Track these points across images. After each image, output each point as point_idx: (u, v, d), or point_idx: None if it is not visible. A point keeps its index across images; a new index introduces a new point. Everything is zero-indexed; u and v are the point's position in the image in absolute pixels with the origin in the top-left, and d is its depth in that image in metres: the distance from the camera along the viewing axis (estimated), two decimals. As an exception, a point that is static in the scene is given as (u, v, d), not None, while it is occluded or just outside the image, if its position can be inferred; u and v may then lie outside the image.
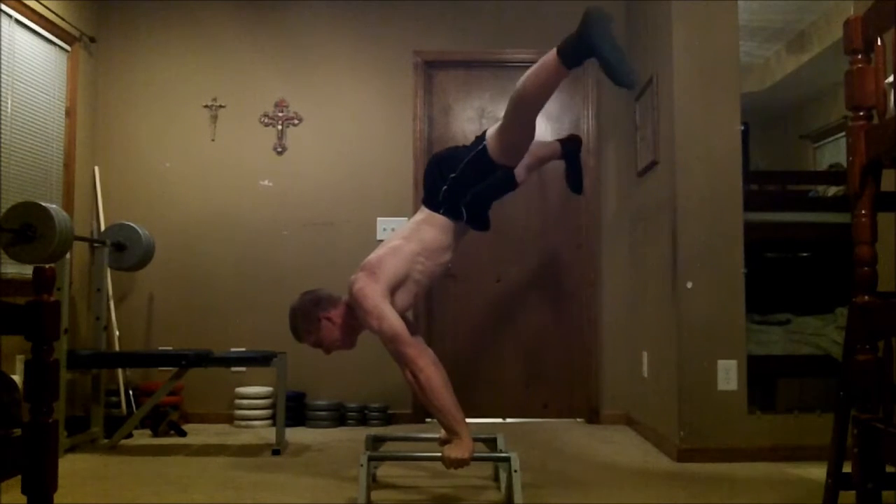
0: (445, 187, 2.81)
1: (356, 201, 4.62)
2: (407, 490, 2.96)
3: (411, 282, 2.77)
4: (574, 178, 3.39)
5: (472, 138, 4.57)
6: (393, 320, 2.62)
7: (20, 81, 3.91)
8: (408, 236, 2.81)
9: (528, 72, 2.62)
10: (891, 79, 1.85)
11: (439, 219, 2.83)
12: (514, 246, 4.66)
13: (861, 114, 1.85)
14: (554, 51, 2.55)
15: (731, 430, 3.42)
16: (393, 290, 2.71)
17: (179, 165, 4.66)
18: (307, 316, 2.83)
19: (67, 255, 3.56)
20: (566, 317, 4.63)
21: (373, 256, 2.77)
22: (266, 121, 4.67)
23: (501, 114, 4.60)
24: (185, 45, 4.71)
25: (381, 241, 4.53)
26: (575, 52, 2.49)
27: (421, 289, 2.84)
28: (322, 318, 2.81)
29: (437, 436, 2.97)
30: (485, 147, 2.81)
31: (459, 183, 2.80)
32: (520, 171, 2.94)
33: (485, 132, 2.88)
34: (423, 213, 2.88)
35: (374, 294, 2.64)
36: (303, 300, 2.87)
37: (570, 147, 3.37)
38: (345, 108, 4.68)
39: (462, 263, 4.53)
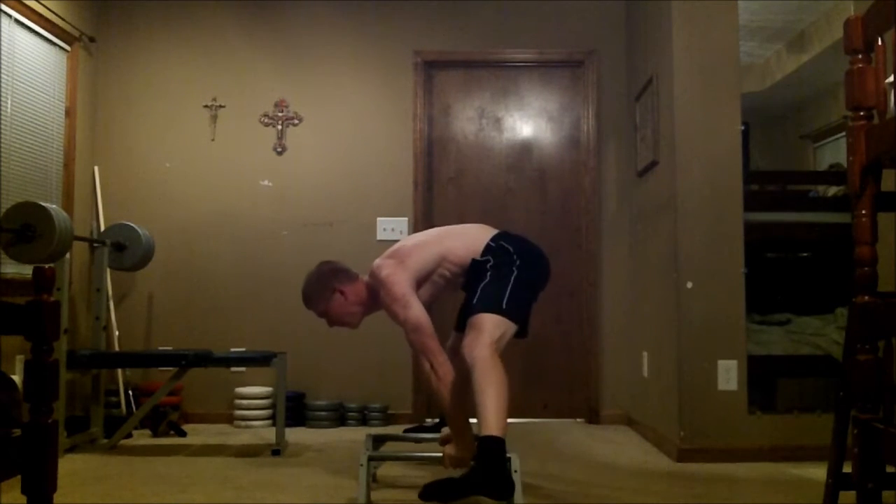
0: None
1: (356, 201, 4.62)
2: (407, 490, 2.95)
3: (430, 283, 2.76)
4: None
5: (472, 138, 4.70)
6: (419, 310, 2.62)
7: (20, 81, 3.91)
8: (437, 240, 2.79)
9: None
10: (891, 79, 1.85)
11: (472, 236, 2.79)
12: (514, 246, 4.65)
13: (861, 114, 1.84)
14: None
15: (731, 430, 3.42)
16: (418, 284, 2.71)
17: (179, 165, 4.66)
18: (322, 284, 2.79)
19: (67, 255, 3.56)
20: (566, 317, 4.63)
21: (400, 247, 2.75)
22: (266, 121, 4.67)
23: (501, 114, 4.71)
24: (185, 45, 4.71)
25: (381, 241, 4.62)
26: None
27: (438, 290, 2.81)
28: (337, 289, 2.78)
29: (437, 436, 2.97)
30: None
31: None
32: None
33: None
34: (476, 227, 2.85)
35: (403, 282, 2.64)
36: (321, 268, 2.83)
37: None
38: (345, 107, 4.68)
39: (462, 263, 4.53)
